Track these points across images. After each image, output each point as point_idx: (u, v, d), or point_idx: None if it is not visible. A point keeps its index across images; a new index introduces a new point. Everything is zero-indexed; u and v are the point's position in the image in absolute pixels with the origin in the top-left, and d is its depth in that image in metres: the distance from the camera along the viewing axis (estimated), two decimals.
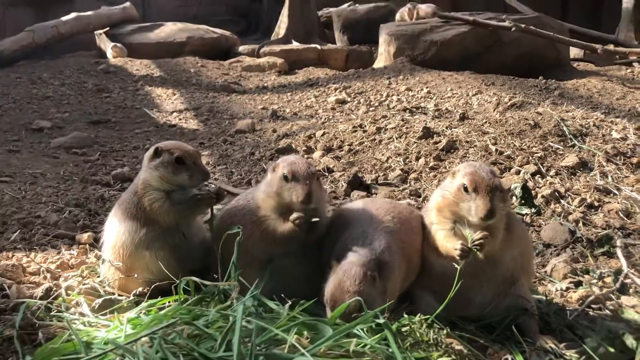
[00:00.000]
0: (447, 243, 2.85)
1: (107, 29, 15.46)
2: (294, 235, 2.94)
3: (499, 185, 2.76)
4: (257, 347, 2.11)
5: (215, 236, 3.18)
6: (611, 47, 13.10)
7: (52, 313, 2.94)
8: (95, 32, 15.19)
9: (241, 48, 15.53)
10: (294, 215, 2.90)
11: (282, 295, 2.78)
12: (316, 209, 3.01)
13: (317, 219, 2.93)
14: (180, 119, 9.46)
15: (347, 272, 2.58)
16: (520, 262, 3.00)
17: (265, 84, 12.59)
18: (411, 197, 5.03)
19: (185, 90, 11.62)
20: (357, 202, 3.21)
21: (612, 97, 9.55)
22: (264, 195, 3.06)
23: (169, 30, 15.82)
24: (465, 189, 2.76)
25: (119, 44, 14.39)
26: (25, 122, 8.76)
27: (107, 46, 14.42)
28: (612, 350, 2.57)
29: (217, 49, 15.55)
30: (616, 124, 6.67)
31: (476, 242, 2.71)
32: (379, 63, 12.97)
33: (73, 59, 13.80)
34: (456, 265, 2.69)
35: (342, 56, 15.02)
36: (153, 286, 3.08)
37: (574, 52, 13.83)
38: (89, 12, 15.43)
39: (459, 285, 2.66)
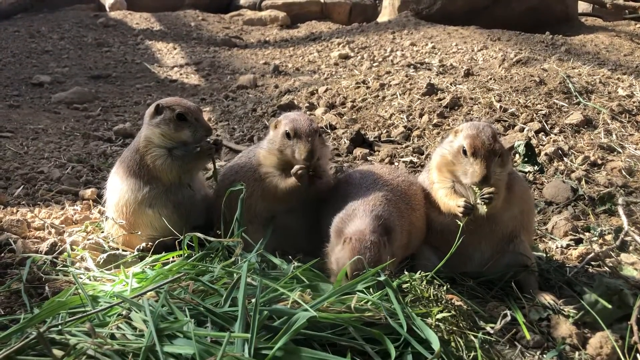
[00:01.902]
0: (449, 201, 2.88)
1: None
2: (296, 190, 2.94)
3: (499, 150, 2.76)
4: (261, 303, 2.14)
5: (218, 193, 3.19)
6: (621, 1, 12.78)
7: (57, 267, 2.99)
8: None
9: (242, 1, 15.21)
10: (296, 167, 2.89)
11: (285, 250, 2.82)
12: (319, 165, 3.01)
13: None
14: (181, 74, 9.36)
15: (362, 241, 2.53)
16: (521, 220, 3.02)
17: (267, 38, 12.39)
18: (414, 155, 5.01)
19: (186, 44, 11.45)
20: (356, 171, 3.18)
21: (620, 53, 9.39)
22: (266, 152, 3.06)
23: None
24: (464, 152, 2.76)
25: None
26: (25, 76, 8.68)
27: None
28: (609, 306, 2.61)
29: (217, 1, 15.24)
30: (623, 81, 6.59)
31: (485, 195, 2.72)
32: (383, 17, 12.73)
33: (72, 12, 13.55)
34: (458, 222, 2.71)
35: (345, 10, 14.72)
36: (157, 242, 3.11)
37: (582, 6, 13.52)
38: None
39: (459, 241, 2.68)
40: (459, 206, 2.79)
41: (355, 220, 2.65)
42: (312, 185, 2.97)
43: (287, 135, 2.94)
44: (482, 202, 2.73)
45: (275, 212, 3.08)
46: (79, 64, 9.69)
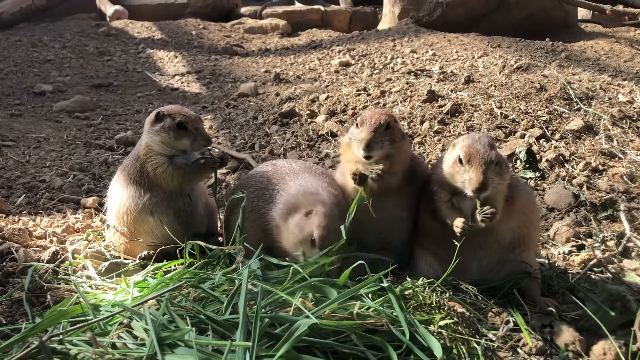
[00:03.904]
0: (448, 219, 2.84)
1: None
2: None
3: (495, 159, 2.72)
4: (263, 310, 2.14)
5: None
6: (620, 7, 12.80)
7: (59, 276, 2.99)
8: None
9: (243, 9, 15.27)
10: None
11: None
12: None
13: None
14: (182, 82, 9.38)
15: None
16: (519, 233, 2.95)
17: (268, 47, 12.42)
18: None
19: (187, 53, 11.49)
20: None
21: (620, 59, 9.40)
22: None
23: None
24: (460, 161, 2.75)
25: (119, 7, 14.16)
26: (26, 85, 8.71)
27: (108, 8, 14.20)
28: (612, 312, 2.60)
29: (218, 10, 15.28)
30: (623, 87, 6.60)
31: (487, 214, 2.70)
32: (383, 25, 12.77)
33: (73, 22, 13.61)
34: (456, 242, 2.68)
35: (345, 17, 14.76)
36: (158, 250, 3.11)
37: (582, 13, 13.55)
38: None
39: (455, 248, 2.67)
40: (457, 227, 2.75)
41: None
42: None
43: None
44: (482, 219, 2.71)
45: None
46: (81, 73, 9.72)
